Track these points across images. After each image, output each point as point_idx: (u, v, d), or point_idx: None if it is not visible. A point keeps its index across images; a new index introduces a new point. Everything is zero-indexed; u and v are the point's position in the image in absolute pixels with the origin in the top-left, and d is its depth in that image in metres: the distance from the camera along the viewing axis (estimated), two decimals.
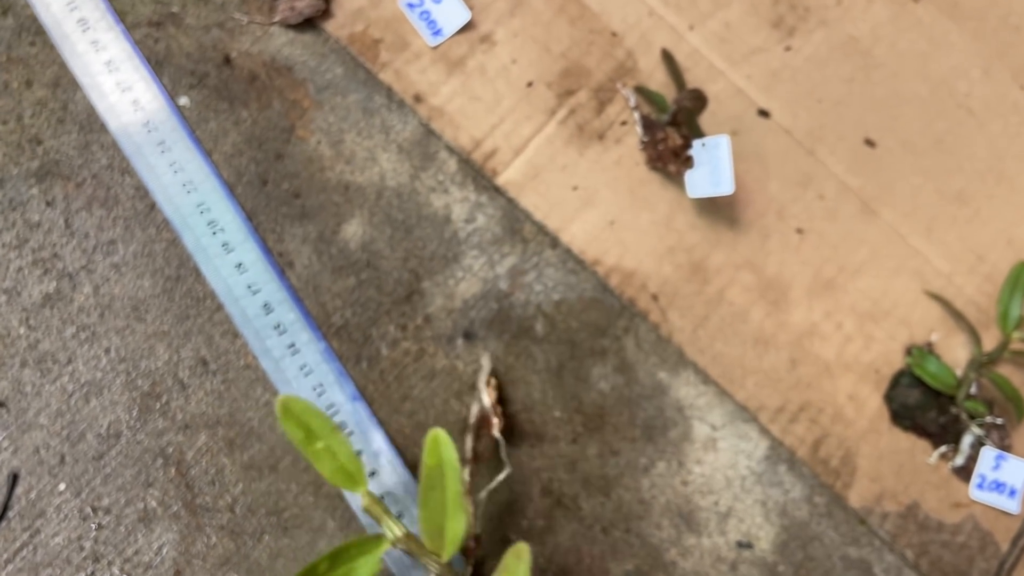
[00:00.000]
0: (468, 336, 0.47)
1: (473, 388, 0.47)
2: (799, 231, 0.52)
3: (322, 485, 0.44)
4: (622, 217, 0.50)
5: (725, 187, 0.47)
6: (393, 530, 0.41)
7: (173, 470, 0.42)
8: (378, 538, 0.41)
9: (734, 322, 0.50)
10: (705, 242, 0.51)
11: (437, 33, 0.50)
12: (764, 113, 0.54)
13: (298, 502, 0.43)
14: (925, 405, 0.51)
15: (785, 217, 0.52)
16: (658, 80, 0.53)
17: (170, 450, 0.42)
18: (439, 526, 0.42)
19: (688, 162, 0.48)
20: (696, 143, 0.48)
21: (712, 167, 0.47)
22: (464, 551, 0.44)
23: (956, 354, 0.52)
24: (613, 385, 0.48)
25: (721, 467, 0.48)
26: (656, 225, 0.51)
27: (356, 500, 0.44)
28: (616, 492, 0.47)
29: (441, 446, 0.42)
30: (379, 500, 0.42)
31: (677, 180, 0.51)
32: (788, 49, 0.55)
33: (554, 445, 0.47)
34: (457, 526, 0.41)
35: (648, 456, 0.48)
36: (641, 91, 0.52)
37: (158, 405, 0.42)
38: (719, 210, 0.52)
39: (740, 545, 0.48)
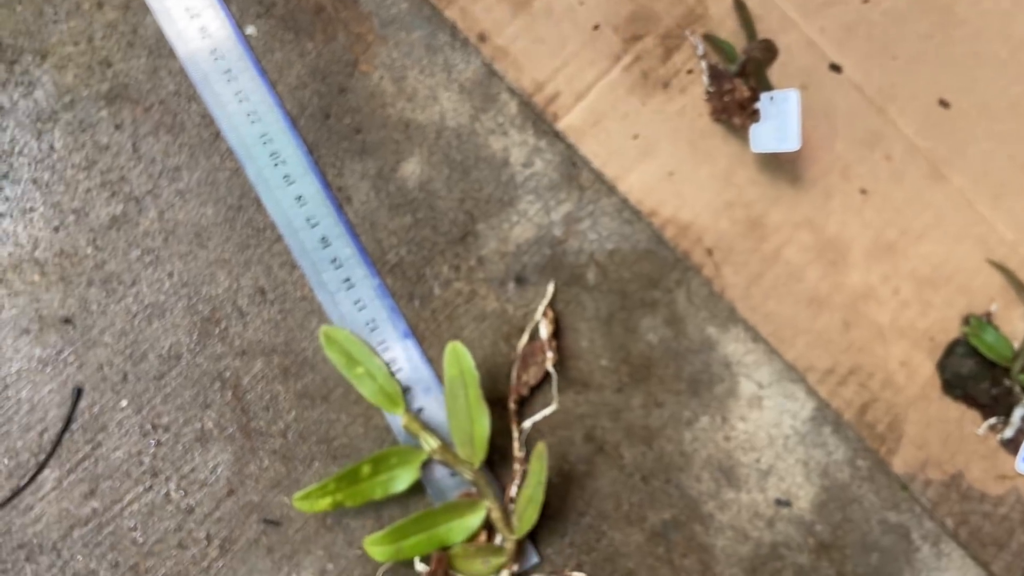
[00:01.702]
0: (520, 281, 0.47)
1: (522, 332, 0.47)
2: (863, 192, 0.51)
3: (371, 418, 0.45)
4: (681, 169, 0.49)
5: (791, 143, 0.46)
6: (430, 442, 0.43)
7: (230, 394, 0.43)
8: (417, 449, 0.43)
9: (789, 281, 0.49)
10: (765, 198, 0.50)
11: None
12: (836, 68, 0.52)
13: (347, 432, 0.44)
14: (978, 376, 0.50)
15: (849, 177, 0.51)
16: (728, 29, 0.51)
17: (227, 374, 0.43)
18: (467, 433, 0.43)
19: (754, 115, 0.47)
20: (764, 96, 0.47)
21: (779, 121, 0.46)
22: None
23: (1015, 326, 0.50)
24: (662, 337, 0.48)
25: (765, 425, 0.48)
26: (715, 179, 0.49)
27: (401, 431, 0.45)
28: (658, 443, 0.47)
29: (460, 357, 0.43)
30: (417, 417, 0.44)
31: (740, 133, 0.50)
32: (865, 2, 0.53)
33: (599, 393, 0.47)
34: (482, 429, 0.43)
35: (692, 410, 0.48)
36: (710, 39, 0.50)
37: (217, 330, 0.43)
38: (781, 166, 0.50)
39: (779, 503, 0.48)
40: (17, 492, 0.40)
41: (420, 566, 0.42)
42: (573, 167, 0.48)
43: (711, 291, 0.49)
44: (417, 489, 0.45)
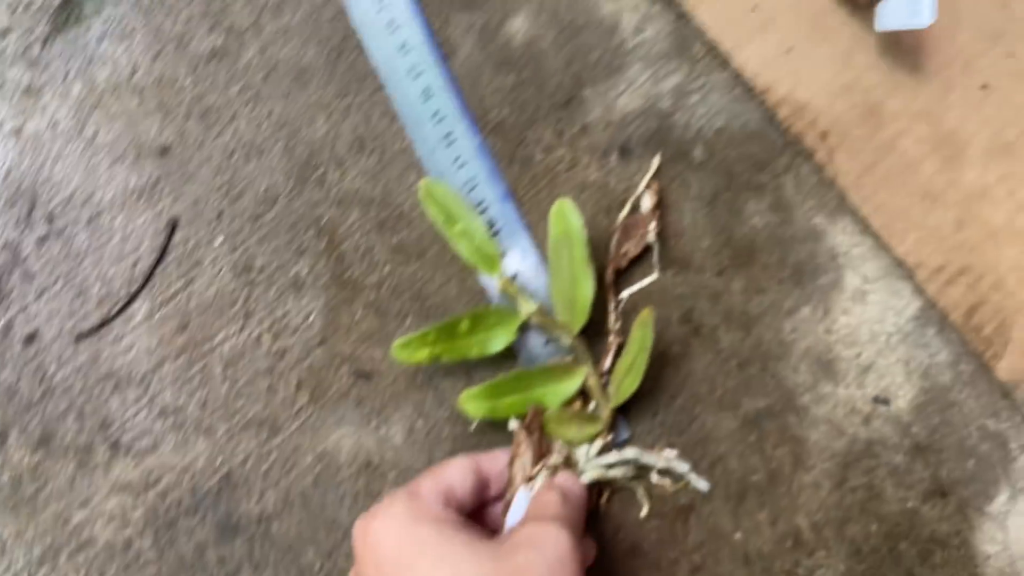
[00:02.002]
0: (623, 152, 0.45)
1: (622, 205, 0.45)
2: (984, 87, 0.48)
3: (465, 279, 0.43)
4: (800, 46, 0.47)
5: (924, 17, 0.43)
6: (527, 305, 0.41)
7: (325, 242, 0.41)
8: (514, 312, 0.41)
9: (903, 173, 0.47)
10: (884, 85, 0.47)
11: None
12: None
13: (441, 292, 0.43)
14: None
15: (970, 71, 0.48)
16: None
17: (323, 222, 0.41)
18: (569, 296, 0.42)
19: None
20: None
21: None
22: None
23: None
24: (767, 223, 0.46)
25: (868, 320, 0.46)
26: (834, 59, 0.47)
27: (495, 295, 0.43)
28: (756, 330, 0.45)
29: (567, 215, 0.41)
30: (513, 281, 0.42)
31: (863, 13, 0.47)
32: None
33: (699, 275, 0.45)
34: (585, 292, 0.41)
35: (794, 299, 0.46)
36: None
37: (314, 176, 0.42)
38: (903, 53, 0.48)
39: (876, 400, 0.46)
40: (107, 320, 0.39)
41: (514, 423, 0.41)
42: (686, 37, 0.46)
43: (821, 178, 0.46)
44: (508, 357, 0.43)
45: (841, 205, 0.47)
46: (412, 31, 0.43)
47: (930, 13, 0.43)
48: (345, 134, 0.42)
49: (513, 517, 0.39)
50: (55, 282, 0.39)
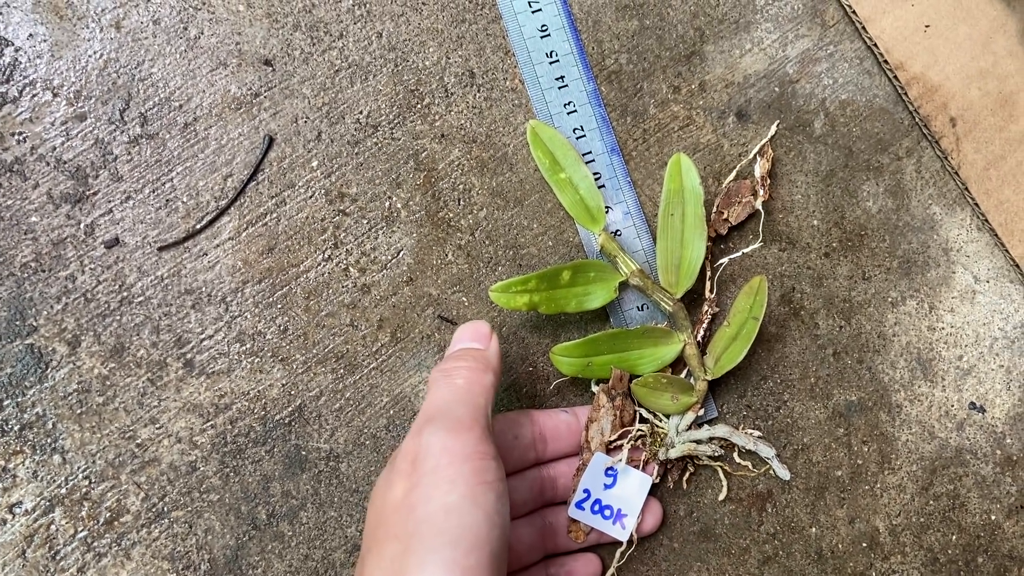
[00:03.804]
0: (741, 116, 0.42)
1: (734, 172, 0.41)
2: None
3: (563, 231, 0.40)
4: (939, 23, 0.43)
5: None
6: (629, 264, 0.38)
7: (423, 176, 0.38)
8: (614, 270, 0.39)
9: None
10: (1022, 74, 0.43)
11: None
12: None
13: (536, 243, 0.40)
14: None
15: None
16: None
17: (423, 155, 0.38)
18: (676, 257, 0.39)
19: None
20: None
21: None
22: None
23: None
24: (881, 207, 0.43)
25: (974, 322, 0.43)
26: (973, 41, 0.43)
27: (593, 252, 0.40)
28: (857, 319, 0.42)
29: (685, 171, 0.38)
30: (615, 238, 0.39)
31: None
32: None
33: (805, 254, 0.42)
34: (694, 254, 0.38)
35: (900, 291, 0.42)
36: None
37: (419, 105, 0.39)
38: None
39: (972, 407, 0.43)
40: (193, 234, 0.36)
41: (596, 385, 0.38)
42: (820, 0, 0.42)
43: (944, 166, 0.43)
44: (601, 318, 0.40)
45: (961, 197, 0.43)
46: None
47: None
48: (455, 64, 0.39)
49: (587, 481, 0.37)
50: (143, 187, 0.36)
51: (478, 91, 0.39)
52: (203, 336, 0.36)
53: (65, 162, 0.35)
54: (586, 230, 0.39)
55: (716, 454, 0.39)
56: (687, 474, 0.40)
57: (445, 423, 0.29)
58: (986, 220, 0.43)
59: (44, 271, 0.35)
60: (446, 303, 0.38)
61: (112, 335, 0.36)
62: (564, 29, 0.40)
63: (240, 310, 0.36)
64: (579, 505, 0.37)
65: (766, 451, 0.40)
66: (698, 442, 0.39)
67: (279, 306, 0.37)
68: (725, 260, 0.41)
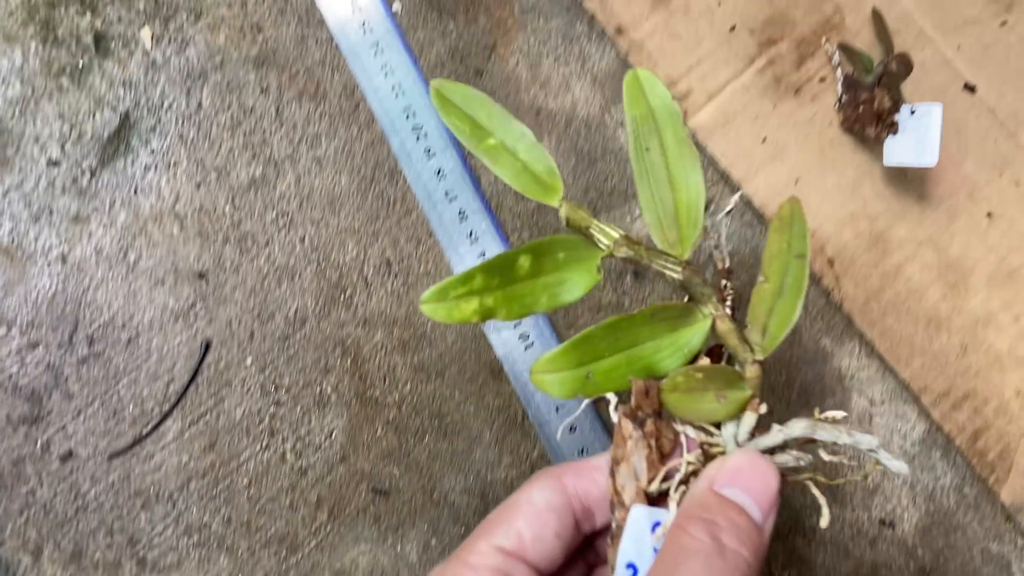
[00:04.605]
0: (637, 275, 0.46)
1: None
2: (989, 215, 0.48)
3: (483, 397, 0.44)
4: (808, 176, 0.47)
5: (929, 158, 0.44)
6: (608, 234, 0.29)
7: (350, 361, 0.42)
8: (591, 245, 0.29)
9: (909, 299, 0.47)
10: (890, 213, 0.48)
11: None
12: (970, 88, 0.49)
13: (460, 410, 0.43)
14: None
15: (976, 199, 0.49)
16: (864, 40, 0.49)
17: (349, 341, 0.42)
18: (667, 206, 0.28)
19: (892, 127, 0.45)
20: (904, 108, 0.45)
21: (918, 135, 0.44)
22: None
23: None
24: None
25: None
26: (841, 189, 0.48)
27: (528, 394, 0.43)
28: None
29: (648, 88, 0.28)
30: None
31: (869, 145, 0.48)
32: (1004, 24, 0.51)
33: None
34: (692, 194, 0.28)
35: None
36: (846, 49, 0.48)
37: (343, 297, 0.42)
38: (908, 182, 0.48)
39: (883, 523, 0.45)
40: (139, 440, 0.40)
41: (614, 410, 0.27)
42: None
43: (828, 302, 0.47)
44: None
45: (848, 329, 0.47)
46: (447, 157, 0.44)
47: (935, 154, 0.44)
48: (373, 257, 0.43)
49: (624, 556, 0.25)
50: (93, 402, 0.39)
51: (395, 278, 0.43)
52: (153, 533, 0.39)
53: (21, 387, 0.39)
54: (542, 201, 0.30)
55: (801, 464, 0.28)
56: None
57: None
58: (873, 348, 0.46)
59: (7, 488, 0.38)
60: (378, 476, 0.42)
61: (70, 541, 0.39)
62: (481, 211, 0.44)
63: (186, 504, 0.39)
64: None
65: (868, 441, 0.29)
66: (772, 451, 0.28)
67: (223, 497, 0.40)
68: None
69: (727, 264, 0.31)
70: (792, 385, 0.46)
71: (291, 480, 0.41)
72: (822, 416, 0.28)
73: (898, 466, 0.28)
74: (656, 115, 0.29)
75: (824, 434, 0.28)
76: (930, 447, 0.46)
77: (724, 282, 0.31)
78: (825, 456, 0.29)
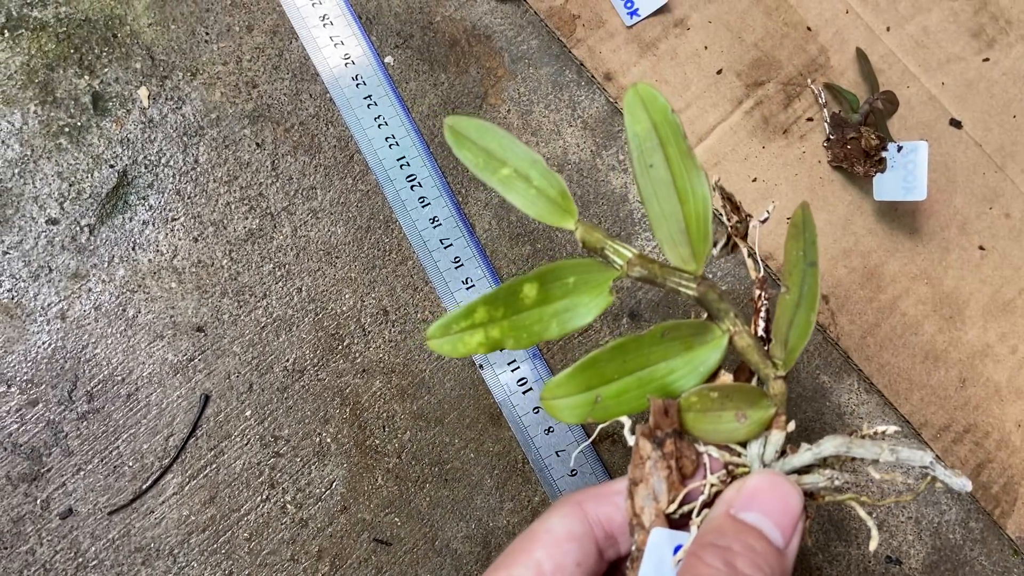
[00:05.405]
0: (633, 316, 0.46)
1: None
2: (981, 248, 0.49)
3: (483, 443, 0.43)
4: None
5: (919, 193, 0.44)
6: (622, 253, 0.28)
7: (348, 410, 0.42)
8: (602, 266, 0.29)
9: (905, 333, 0.47)
10: (882, 249, 0.48)
11: (633, 13, 0.48)
12: (956, 123, 0.50)
13: (460, 456, 0.43)
14: None
15: (968, 232, 0.49)
16: (849, 79, 0.50)
17: (347, 391, 0.42)
18: (677, 220, 0.28)
19: (880, 164, 0.45)
20: (891, 146, 0.45)
21: (906, 171, 0.44)
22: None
23: None
24: None
25: (877, 479, 0.46)
26: (833, 226, 0.48)
27: (533, 449, 0.43)
28: None
29: (648, 102, 0.28)
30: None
31: (859, 182, 0.48)
32: (986, 60, 0.51)
33: None
34: (700, 206, 0.28)
35: None
36: (832, 88, 0.49)
37: (340, 347, 0.42)
38: (899, 218, 0.48)
39: (889, 560, 0.45)
40: (139, 495, 0.39)
41: (630, 433, 0.27)
42: None
43: (825, 338, 0.47)
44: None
45: (846, 365, 0.47)
46: (441, 205, 0.44)
47: (924, 189, 0.44)
48: (370, 306, 0.43)
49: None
50: (92, 458, 0.39)
51: (392, 326, 0.43)
52: None
53: (20, 445, 0.39)
54: (561, 226, 0.30)
55: (837, 483, 0.27)
56: (804, 524, 0.27)
57: None
58: (872, 383, 0.46)
59: (6, 548, 0.38)
60: (380, 526, 0.41)
61: None
62: (475, 257, 0.44)
63: (187, 560, 0.39)
64: None
65: (919, 458, 0.27)
66: (802, 472, 0.27)
67: (223, 551, 0.39)
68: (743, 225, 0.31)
69: (761, 273, 0.30)
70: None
71: (292, 532, 0.40)
72: (869, 432, 0.27)
73: (960, 483, 0.26)
74: (659, 129, 0.29)
75: (862, 451, 0.27)
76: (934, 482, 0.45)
77: (758, 292, 0.29)
78: (875, 475, 0.27)
